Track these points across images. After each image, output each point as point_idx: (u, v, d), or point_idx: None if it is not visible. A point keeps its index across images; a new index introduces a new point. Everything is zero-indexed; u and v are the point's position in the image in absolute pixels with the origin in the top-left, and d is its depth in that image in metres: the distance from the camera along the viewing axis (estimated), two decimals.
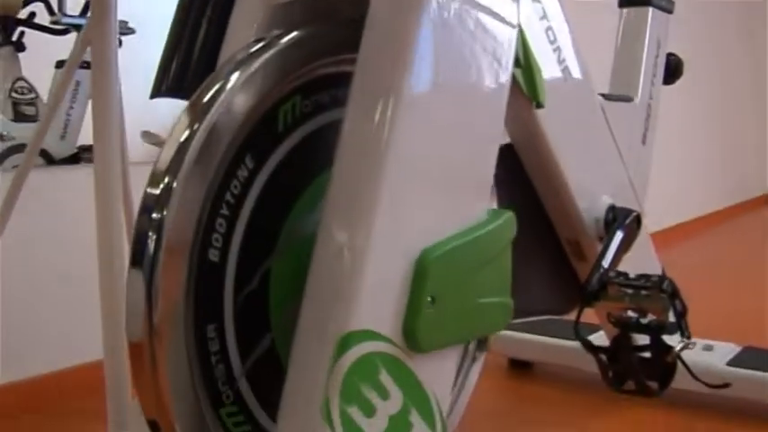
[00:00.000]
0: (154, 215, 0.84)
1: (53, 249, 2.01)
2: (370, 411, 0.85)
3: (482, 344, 1.21)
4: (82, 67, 1.86)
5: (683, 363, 1.31)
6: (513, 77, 1.20)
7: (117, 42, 1.31)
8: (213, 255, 0.89)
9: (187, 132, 0.86)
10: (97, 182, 1.29)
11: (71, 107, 2.23)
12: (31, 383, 1.96)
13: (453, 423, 1.18)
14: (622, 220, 1.46)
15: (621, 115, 1.60)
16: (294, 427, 0.84)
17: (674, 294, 1.28)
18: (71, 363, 2.02)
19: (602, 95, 1.54)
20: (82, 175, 1.89)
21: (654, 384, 1.37)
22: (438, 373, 0.94)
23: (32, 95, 2.16)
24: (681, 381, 1.77)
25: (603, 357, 1.38)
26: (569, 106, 1.40)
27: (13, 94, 2.11)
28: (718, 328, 2.01)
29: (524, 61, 1.17)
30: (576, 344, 1.75)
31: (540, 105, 1.27)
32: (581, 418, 1.80)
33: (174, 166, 0.85)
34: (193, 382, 0.89)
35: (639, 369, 1.34)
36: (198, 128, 0.86)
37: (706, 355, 1.85)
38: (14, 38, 2.09)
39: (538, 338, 2.05)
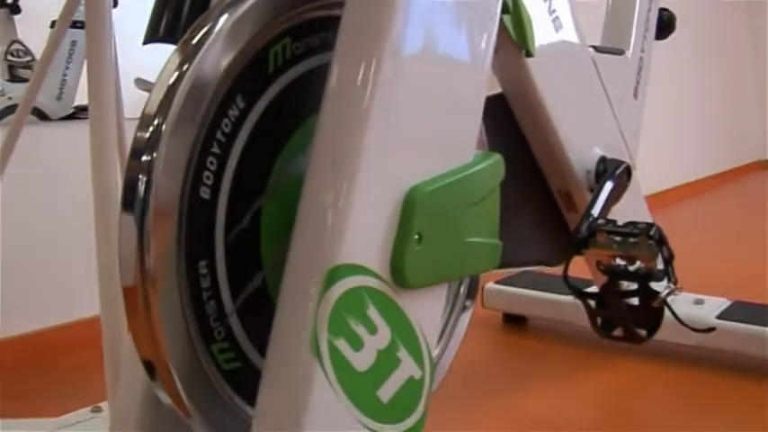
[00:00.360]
0: (144, 158, 0.86)
1: (49, 205, 2.03)
2: (358, 345, 0.87)
3: (472, 293, 1.23)
4: (77, 27, 1.88)
5: (670, 308, 1.33)
6: (503, 25, 1.22)
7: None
8: (204, 192, 0.90)
9: (176, 75, 0.87)
10: (92, 137, 1.30)
11: (67, 67, 2.24)
12: (27, 339, 1.99)
13: (443, 370, 1.20)
14: (612, 171, 1.48)
15: (613, 68, 1.61)
16: (283, 360, 0.86)
17: (662, 241, 1.30)
18: (67, 319, 2.04)
19: (594, 48, 1.55)
20: (76, 131, 1.91)
21: (642, 331, 1.40)
22: (426, 310, 0.95)
23: (28, 58, 2.17)
24: (670, 334, 1.81)
25: (592, 304, 1.40)
26: (560, 57, 1.41)
27: (9, 57, 2.12)
28: (710, 284, 2.03)
29: (513, 7, 1.18)
30: (568, 298, 1.78)
31: (529, 54, 1.29)
32: (573, 369, 1.83)
33: (162, 109, 0.86)
34: (186, 321, 0.91)
35: (628, 316, 1.36)
36: (186, 70, 0.87)
37: (696, 308, 1.88)
38: (9, 0, 2.10)
39: (532, 293, 2.07)
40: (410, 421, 0.96)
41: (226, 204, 0.93)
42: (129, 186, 0.86)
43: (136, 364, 0.97)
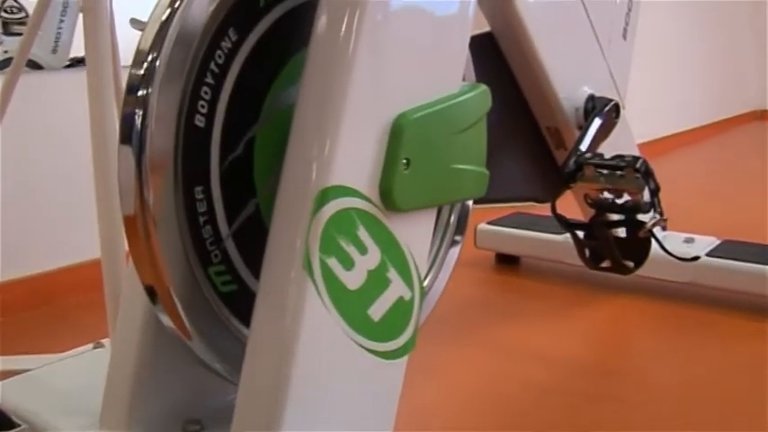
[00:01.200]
0: (139, 93, 0.89)
1: (48, 150, 2.06)
2: (349, 264, 0.91)
3: (461, 227, 1.27)
4: None
5: (656, 239, 1.37)
6: None
7: None
8: (199, 120, 0.94)
9: (168, 12, 0.90)
10: (90, 86, 1.33)
11: (61, 20, 2.26)
12: (29, 281, 2.03)
13: (432, 302, 1.24)
14: (601, 108, 1.51)
15: (601, 9, 1.63)
16: (276, 279, 0.90)
17: (648, 173, 1.33)
18: (68, 262, 2.08)
19: None
20: (73, 78, 1.95)
21: (629, 263, 1.44)
22: (415, 234, 0.99)
23: (23, 14, 2.19)
24: (661, 271, 1.85)
25: (581, 237, 1.44)
26: None
27: (3, 14, 2.14)
28: (704, 226, 2.07)
29: None
30: (559, 237, 1.82)
31: None
32: (564, 306, 1.88)
33: (155, 46, 0.89)
34: (184, 246, 0.95)
35: (615, 247, 1.40)
36: (178, 8, 0.90)
37: (686, 246, 1.92)
38: None
39: (523, 233, 2.11)
40: (401, 341, 1.00)
41: (220, 132, 0.96)
42: (126, 120, 0.90)
43: (136, 295, 1.02)
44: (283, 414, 0.88)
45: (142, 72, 0.90)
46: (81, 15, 1.39)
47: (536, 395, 1.41)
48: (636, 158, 1.34)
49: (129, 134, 0.90)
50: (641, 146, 3.90)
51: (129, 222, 0.93)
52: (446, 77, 1.01)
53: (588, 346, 1.67)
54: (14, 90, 1.48)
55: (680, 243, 1.93)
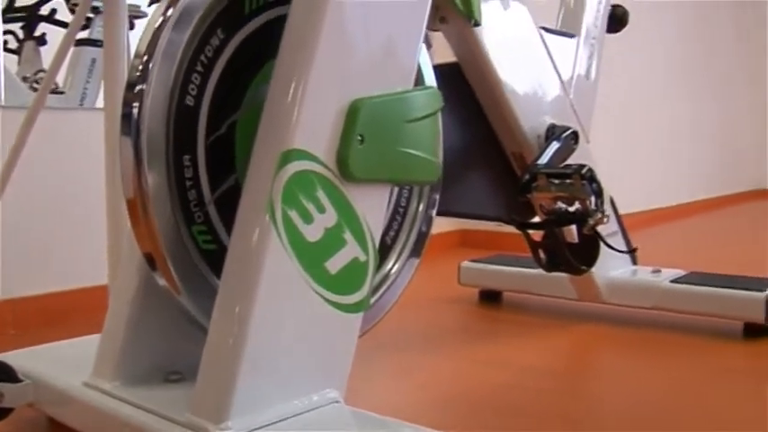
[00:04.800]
0: (137, 88, 1.09)
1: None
2: (308, 219, 1.07)
3: (418, 247, 1.42)
4: (97, 46, 2.13)
5: (599, 236, 1.51)
6: None
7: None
8: (189, 100, 1.13)
9: (161, 19, 1.11)
10: (106, 113, 1.51)
11: (87, 81, 2.48)
12: (35, 301, 2.19)
13: (383, 306, 1.37)
14: (560, 134, 1.68)
15: (563, 48, 1.83)
16: (245, 223, 1.06)
17: (592, 178, 1.48)
18: (83, 284, 2.25)
19: (544, 29, 1.77)
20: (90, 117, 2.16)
21: (581, 265, 1.59)
22: (370, 205, 1.15)
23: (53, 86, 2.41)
24: (625, 297, 2.00)
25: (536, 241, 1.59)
26: (508, 32, 1.63)
27: (35, 84, 2.35)
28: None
29: None
30: (539, 272, 1.96)
31: (476, 23, 1.50)
32: (536, 330, 2.01)
33: (150, 48, 1.09)
34: (173, 208, 1.12)
35: (565, 247, 1.55)
36: (171, 14, 1.11)
37: (653, 276, 2.06)
38: (36, 33, 2.35)
39: (505, 269, 2.26)
40: (355, 297, 1.15)
41: (207, 112, 1.15)
42: (125, 114, 1.09)
43: (131, 261, 1.21)
44: (242, 351, 1.02)
45: (140, 71, 1.09)
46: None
47: (498, 390, 1.53)
48: (582, 166, 1.50)
49: (128, 127, 1.09)
50: (642, 214, 4.08)
51: (131, 204, 1.12)
52: (400, 74, 1.18)
53: (554, 357, 1.80)
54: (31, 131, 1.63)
55: (647, 273, 2.07)
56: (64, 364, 1.37)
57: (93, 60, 2.46)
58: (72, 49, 2.40)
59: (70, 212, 2.25)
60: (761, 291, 1.89)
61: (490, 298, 2.36)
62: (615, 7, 2.04)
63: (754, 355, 1.80)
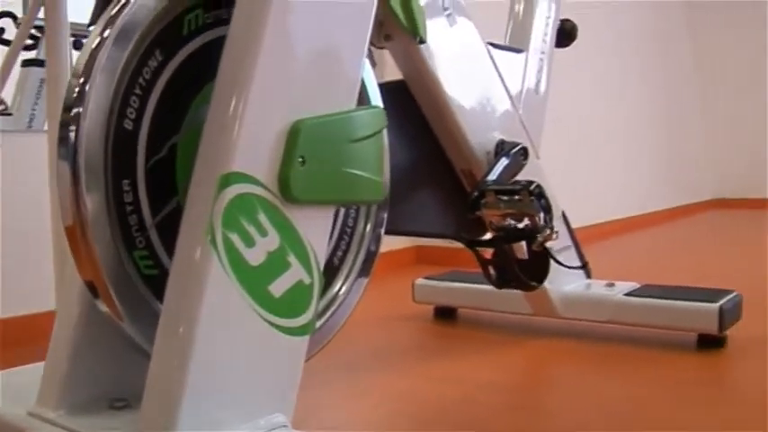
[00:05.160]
0: (74, 111, 1.07)
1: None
2: (250, 242, 1.06)
3: (366, 267, 1.41)
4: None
5: (549, 253, 1.52)
6: (393, 12, 1.43)
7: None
8: (128, 124, 1.11)
9: (98, 39, 1.09)
10: (50, 140, 1.50)
11: (36, 102, 2.46)
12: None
13: (332, 327, 1.35)
14: (509, 150, 1.68)
15: (511, 63, 1.83)
16: (185, 248, 1.05)
17: (541, 195, 1.49)
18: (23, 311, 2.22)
19: (491, 44, 1.77)
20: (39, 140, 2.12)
21: (531, 281, 1.59)
22: (313, 226, 1.14)
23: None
24: (580, 311, 2.00)
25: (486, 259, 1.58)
26: (454, 48, 1.62)
27: None
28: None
29: None
30: (492, 288, 1.96)
31: (422, 41, 1.50)
32: (490, 347, 2.01)
33: (87, 70, 1.08)
34: (113, 233, 1.10)
35: (515, 263, 1.55)
36: (109, 34, 1.09)
37: (606, 289, 2.07)
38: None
39: (460, 285, 2.26)
40: (300, 320, 1.14)
41: (146, 136, 1.13)
42: (62, 137, 1.07)
43: (73, 289, 1.18)
44: (186, 376, 1.00)
45: (76, 92, 1.07)
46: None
47: (453, 407, 1.52)
48: (530, 182, 1.50)
49: (65, 152, 1.07)
50: (597, 227, 4.11)
51: (70, 232, 1.10)
52: (341, 94, 1.18)
53: (509, 372, 1.79)
54: None
55: (601, 287, 2.08)
56: (8, 394, 1.34)
57: (42, 81, 2.44)
58: (20, 69, 2.38)
59: (19, 238, 2.21)
60: (713, 302, 1.90)
61: (445, 315, 2.36)
62: (564, 22, 2.05)
63: (708, 367, 1.81)
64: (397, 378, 1.74)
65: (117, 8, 1.11)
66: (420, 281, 2.34)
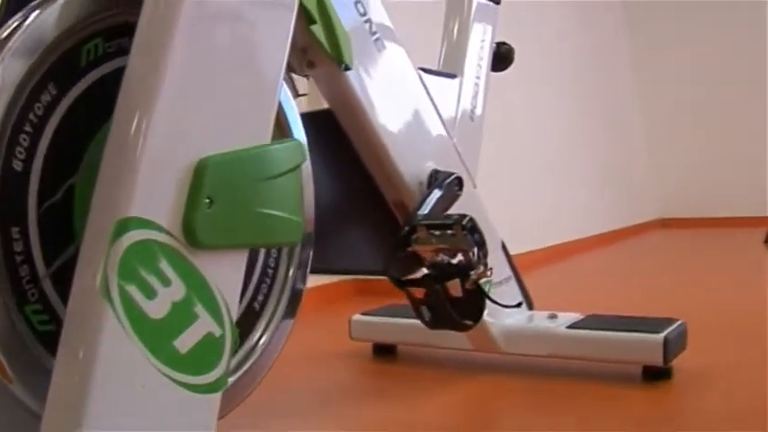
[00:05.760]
0: None
1: None
2: (150, 294, 0.96)
3: (291, 308, 1.33)
4: None
5: (482, 291, 1.43)
6: (316, 38, 1.35)
7: None
8: (17, 165, 1.01)
9: None
10: None
11: None
12: None
13: (254, 376, 1.28)
14: (442, 180, 1.60)
15: (444, 89, 1.76)
16: (78, 304, 0.95)
17: (474, 229, 1.40)
18: None
19: (423, 69, 1.69)
20: None
21: (465, 320, 1.50)
22: (224, 274, 1.04)
23: None
24: (521, 346, 1.93)
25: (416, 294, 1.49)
26: (383, 74, 1.54)
27: None
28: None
29: (321, 18, 1.31)
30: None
31: (347, 68, 1.42)
32: (430, 386, 1.92)
33: None
34: (5, 300, 1.00)
35: (448, 303, 1.46)
36: None
37: (549, 321, 1.99)
38: None
39: (398, 320, 2.16)
40: (211, 376, 1.04)
41: (38, 178, 1.03)
42: None
43: None
44: None
45: None
46: None
47: None
48: (462, 216, 1.42)
49: None
50: (537, 252, 4.07)
51: None
52: (254, 128, 1.09)
53: (451, 413, 1.71)
54: None
55: (544, 319, 2.01)
56: None
57: None
58: None
59: None
60: (657, 332, 1.83)
61: (384, 351, 2.26)
62: (500, 45, 1.98)
63: (654, 402, 1.74)
64: (330, 425, 1.64)
65: (4, 35, 1.01)
66: (357, 317, 2.24)
